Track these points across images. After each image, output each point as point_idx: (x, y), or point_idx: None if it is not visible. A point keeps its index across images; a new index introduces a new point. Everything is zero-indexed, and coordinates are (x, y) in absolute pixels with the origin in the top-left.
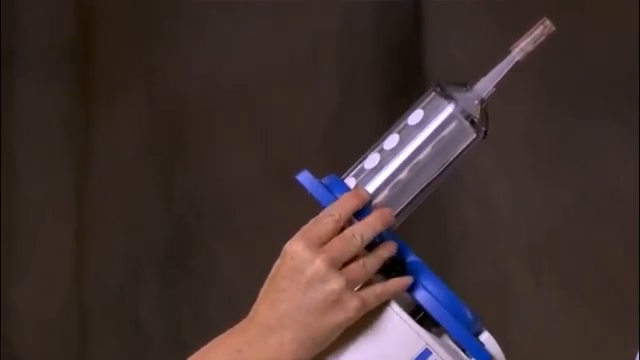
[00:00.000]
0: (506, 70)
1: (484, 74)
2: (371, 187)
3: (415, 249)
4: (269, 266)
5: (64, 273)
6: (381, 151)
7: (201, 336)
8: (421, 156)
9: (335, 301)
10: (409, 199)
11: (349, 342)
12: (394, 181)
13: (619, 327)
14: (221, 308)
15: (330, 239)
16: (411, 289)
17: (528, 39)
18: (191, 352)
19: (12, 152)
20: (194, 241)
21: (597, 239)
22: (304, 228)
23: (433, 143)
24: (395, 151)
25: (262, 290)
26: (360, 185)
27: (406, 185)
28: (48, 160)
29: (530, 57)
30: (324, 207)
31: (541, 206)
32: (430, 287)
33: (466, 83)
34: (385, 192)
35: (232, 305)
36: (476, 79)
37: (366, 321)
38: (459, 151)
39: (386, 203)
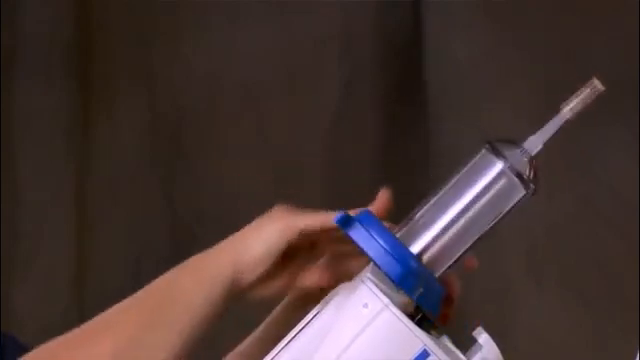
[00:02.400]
0: (555, 129)
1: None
2: (419, 244)
3: None
4: None
5: (65, 275)
6: (430, 208)
7: (201, 338)
8: (470, 213)
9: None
10: (457, 256)
11: (347, 344)
12: (443, 238)
13: (619, 327)
14: None
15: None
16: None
17: (577, 99)
18: None
19: (12, 154)
20: (195, 242)
21: (597, 240)
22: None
23: (483, 200)
24: (444, 208)
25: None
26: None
27: (454, 241)
28: (49, 162)
29: (530, 59)
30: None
31: (541, 208)
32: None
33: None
34: (433, 249)
35: (232, 307)
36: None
37: (364, 322)
38: (508, 208)
39: (433, 260)
